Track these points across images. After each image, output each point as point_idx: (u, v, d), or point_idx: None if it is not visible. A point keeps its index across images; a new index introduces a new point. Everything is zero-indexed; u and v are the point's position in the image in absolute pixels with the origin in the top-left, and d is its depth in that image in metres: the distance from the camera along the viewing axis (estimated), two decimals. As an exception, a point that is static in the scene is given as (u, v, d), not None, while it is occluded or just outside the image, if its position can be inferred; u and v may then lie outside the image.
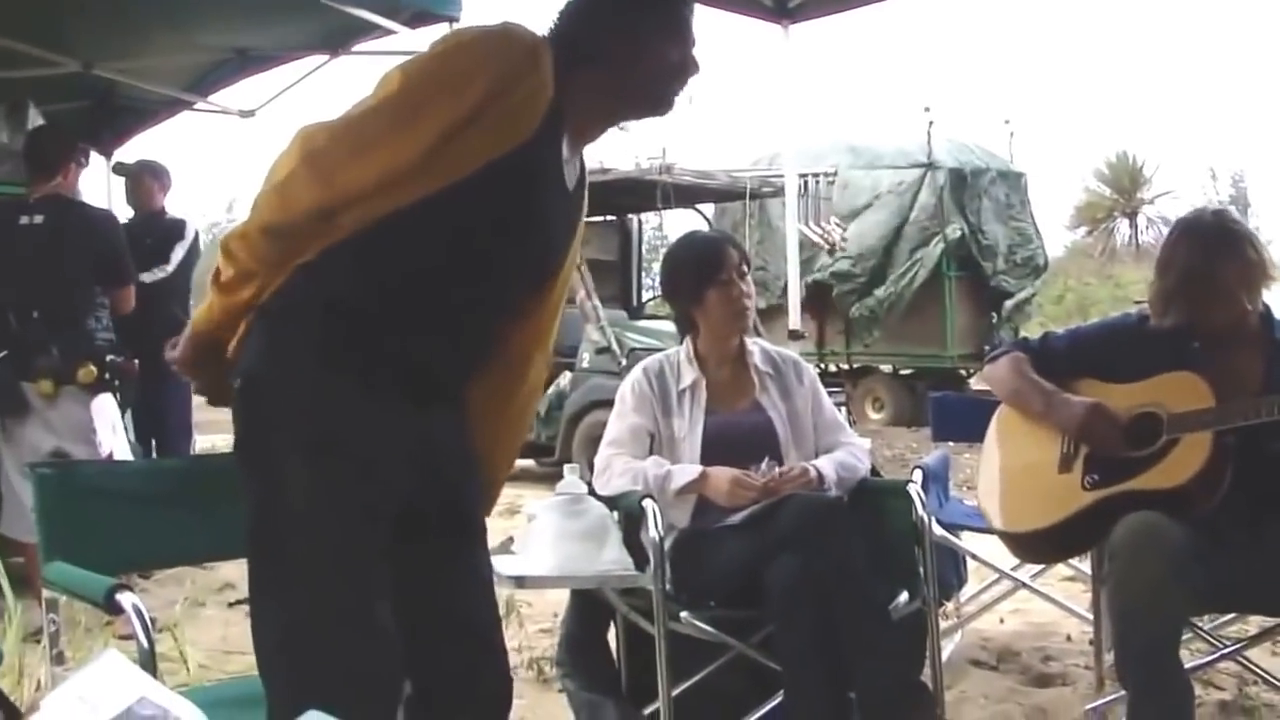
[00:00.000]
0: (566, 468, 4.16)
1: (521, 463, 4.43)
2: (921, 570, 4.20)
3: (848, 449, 4.42)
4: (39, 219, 6.16)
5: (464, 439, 2.94)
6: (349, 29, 6.88)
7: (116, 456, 6.06)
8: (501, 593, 5.87)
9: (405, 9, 7.00)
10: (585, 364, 10.74)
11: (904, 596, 4.12)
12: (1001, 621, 6.02)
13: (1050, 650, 5.48)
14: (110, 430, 6.08)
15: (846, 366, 17.70)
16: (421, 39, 7.17)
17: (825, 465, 4.27)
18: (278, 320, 2.68)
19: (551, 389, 11.02)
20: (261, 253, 2.66)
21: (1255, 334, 3.95)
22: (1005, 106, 61.58)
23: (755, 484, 4.11)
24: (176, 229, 7.57)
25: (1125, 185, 48.30)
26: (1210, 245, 3.88)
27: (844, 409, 8.02)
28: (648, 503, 3.93)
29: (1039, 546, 4.17)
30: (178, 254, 7.43)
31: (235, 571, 7.02)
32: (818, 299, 16.90)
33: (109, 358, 6.09)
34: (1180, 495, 3.71)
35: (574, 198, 2.99)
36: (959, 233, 16.14)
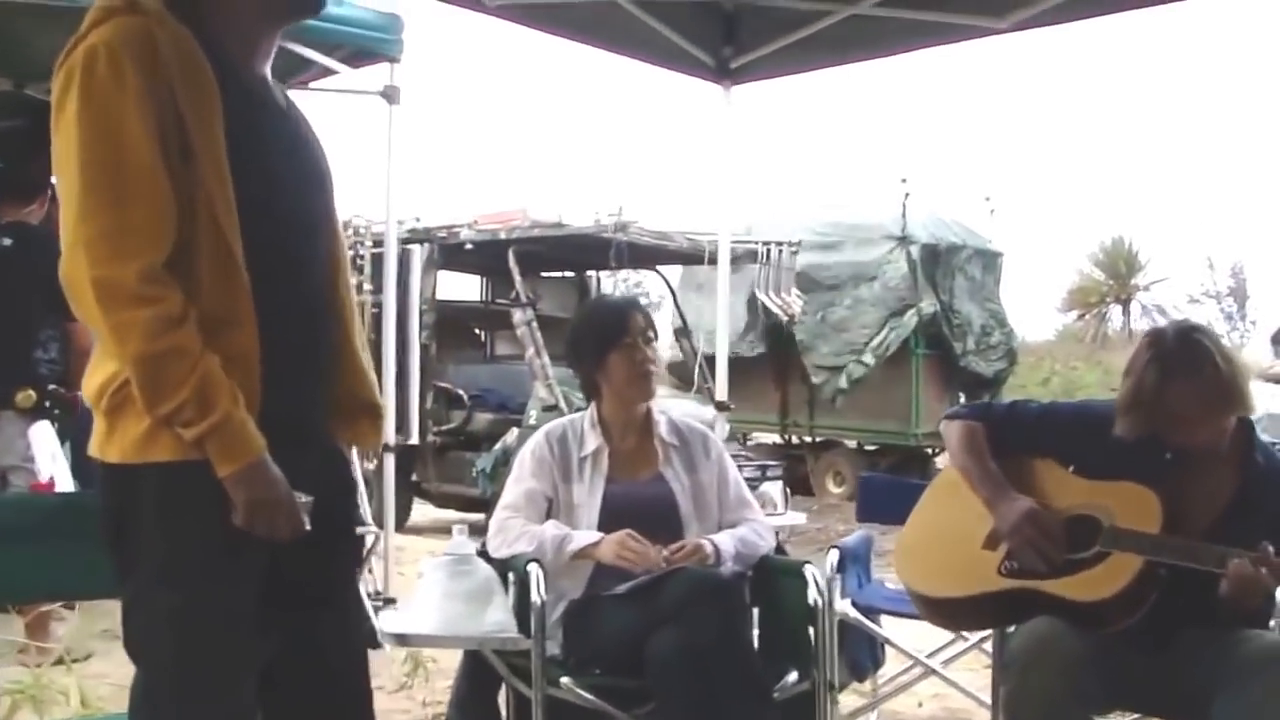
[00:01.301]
0: (455, 528, 4.11)
1: (469, 516, 4.44)
2: (816, 651, 4.15)
3: (751, 525, 4.39)
4: (6, 241, 6.24)
5: (336, 485, 2.94)
6: (288, 65, 6.84)
7: (57, 484, 6.05)
8: (407, 651, 5.91)
9: (345, 47, 6.96)
10: (533, 421, 10.66)
11: (793, 676, 4.08)
12: (920, 705, 5.99)
13: (962, 738, 5.42)
14: (50, 458, 6.08)
15: (809, 439, 17.61)
16: (362, 78, 7.18)
17: (725, 541, 4.24)
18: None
19: (499, 445, 10.97)
20: None
21: (1232, 453, 3.85)
22: (990, 183, 61.86)
23: (645, 546, 4.08)
24: None
25: (1120, 270, 48.50)
26: (1166, 365, 3.74)
27: (780, 483, 7.96)
28: (532, 566, 3.92)
29: (940, 613, 4.13)
30: None
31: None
32: (781, 369, 16.91)
33: (50, 387, 6.11)
34: (1092, 611, 3.66)
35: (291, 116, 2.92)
36: (932, 309, 16.10)
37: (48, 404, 6.10)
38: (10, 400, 6.00)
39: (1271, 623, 3.89)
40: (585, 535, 4.16)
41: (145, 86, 2.50)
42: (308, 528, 2.66)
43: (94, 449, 2.67)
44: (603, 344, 4.36)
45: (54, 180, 6.38)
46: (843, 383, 16.32)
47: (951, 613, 4.07)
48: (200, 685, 2.61)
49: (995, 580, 3.85)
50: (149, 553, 2.62)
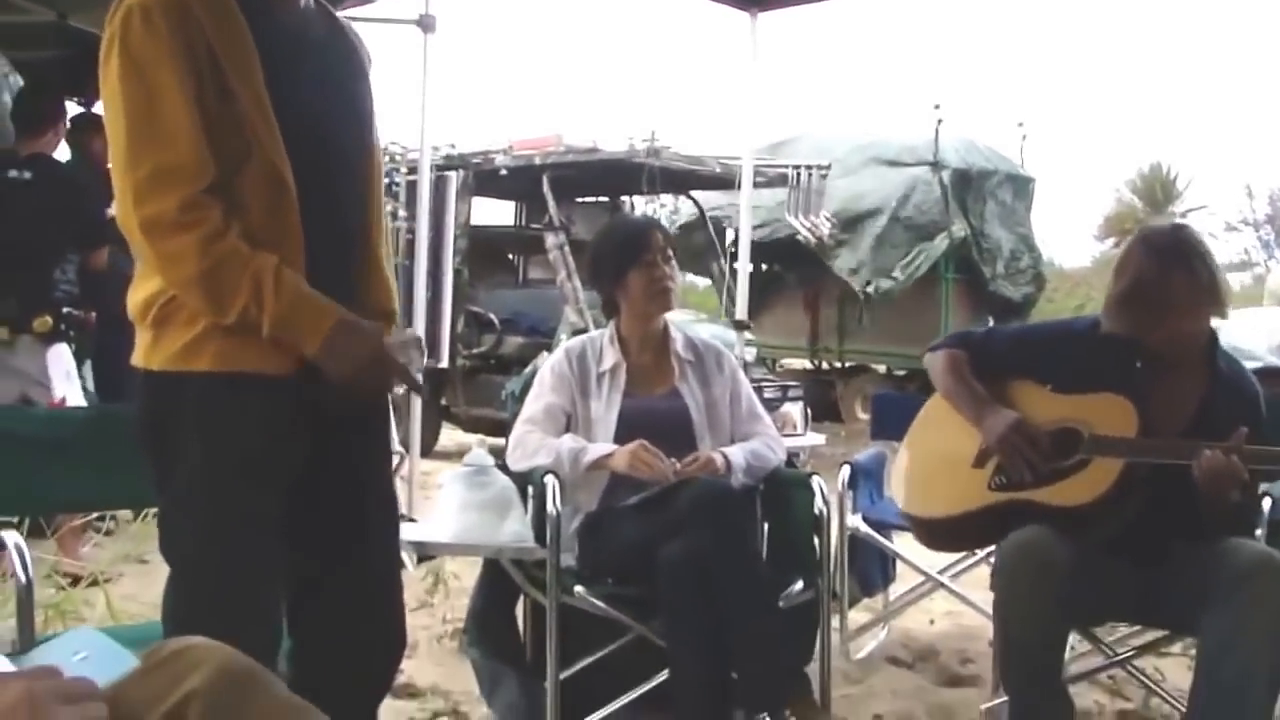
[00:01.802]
0: (475, 439, 4.23)
1: (492, 440, 4.55)
2: (821, 561, 4.27)
3: (762, 438, 4.49)
4: (27, 175, 6.42)
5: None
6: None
7: (70, 403, 6.18)
8: (428, 567, 6.03)
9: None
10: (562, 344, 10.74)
11: (798, 585, 4.19)
12: (932, 623, 6.05)
13: (970, 653, 5.50)
14: (64, 378, 6.25)
15: (839, 364, 17.67)
16: (398, 7, 7.27)
17: (736, 453, 4.34)
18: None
19: (529, 368, 11.04)
20: None
21: (1199, 360, 3.96)
22: (1025, 109, 61.46)
23: (657, 456, 4.19)
24: None
25: (1157, 197, 48.06)
26: (1165, 255, 3.84)
27: (801, 404, 8.04)
28: (549, 478, 4.02)
29: (935, 533, 4.20)
30: None
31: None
32: (811, 294, 16.95)
33: (66, 309, 6.28)
34: (1076, 515, 3.76)
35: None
36: (962, 233, 16.07)
37: (63, 327, 6.30)
38: (29, 326, 6.20)
39: (1258, 532, 3.97)
40: (600, 447, 4.27)
41: (177, 40, 2.68)
42: (421, 364, 2.82)
43: (137, 359, 2.83)
44: (622, 261, 4.47)
45: (70, 113, 6.61)
46: (870, 292, 16.28)
47: (946, 532, 4.14)
48: (228, 584, 2.74)
49: (985, 496, 3.94)
50: (185, 459, 2.77)
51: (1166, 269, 3.83)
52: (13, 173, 6.41)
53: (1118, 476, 3.75)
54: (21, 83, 7.95)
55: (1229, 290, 4.02)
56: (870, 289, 16.01)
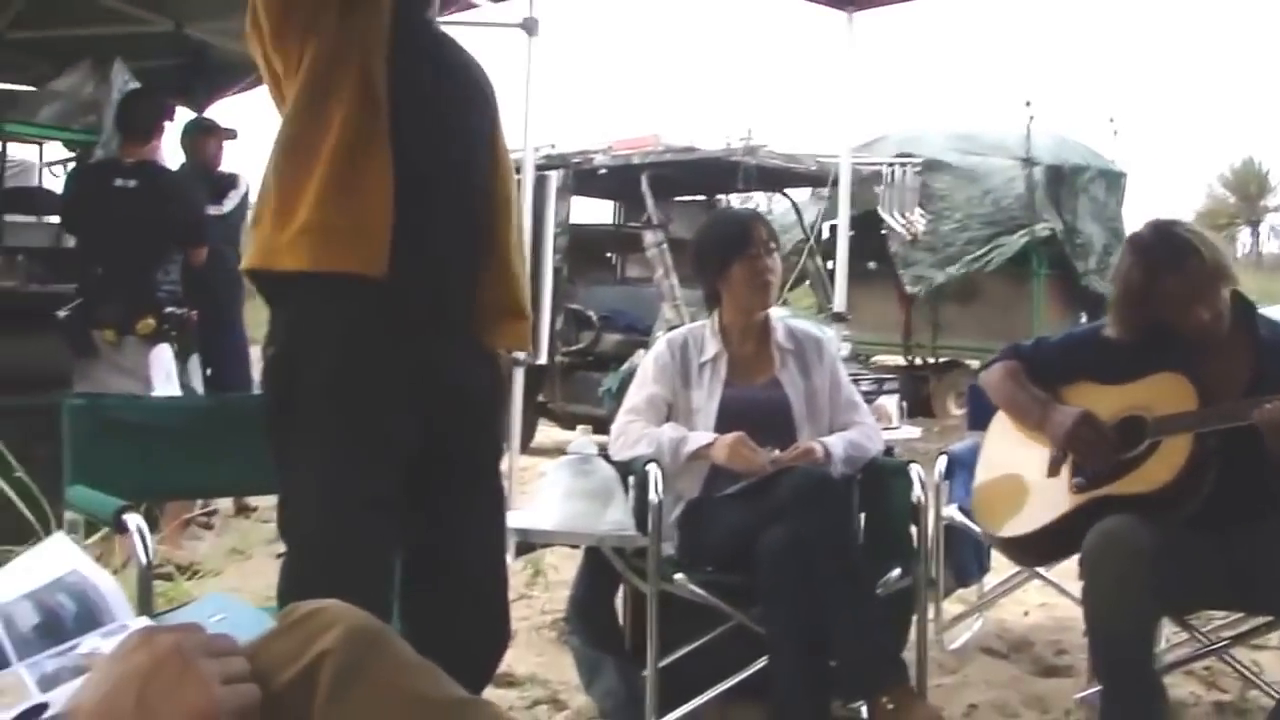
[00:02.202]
0: (579, 429, 4.31)
1: (598, 438, 4.63)
2: (918, 548, 4.32)
3: (861, 428, 4.52)
4: (132, 183, 6.61)
5: (482, 379, 3.17)
6: (432, -1, 7.01)
7: (167, 402, 6.37)
8: (530, 557, 6.10)
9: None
10: (659, 340, 10.77)
11: (896, 573, 4.23)
12: (1026, 614, 6.04)
13: (1065, 643, 5.48)
14: (164, 378, 6.40)
15: (932, 360, 17.61)
16: (502, 11, 7.35)
17: (835, 443, 4.38)
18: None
19: (626, 365, 11.11)
20: None
21: (1236, 333, 3.98)
22: (1116, 104, 60.93)
23: (757, 449, 4.23)
24: (230, 180, 7.91)
25: (1250, 192, 47.53)
26: (1152, 262, 3.91)
27: (896, 397, 8.06)
28: (651, 467, 4.08)
29: (1027, 550, 4.26)
30: (232, 199, 7.78)
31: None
32: (905, 290, 16.90)
33: (168, 310, 6.47)
34: (1159, 498, 3.78)
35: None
36: (1048, 231, 15.98)
37: (166, 327, 6.49)
38: (132, 328, 6.40)
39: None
40: (701, 436, 4.32)
41: None
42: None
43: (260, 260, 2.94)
44: (726, 253, 4.52)
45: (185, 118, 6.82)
46: (926, 288, 16.25)
47: (1038, 547, 4.16)
48: (338, 564, 2.83)
49: (1067, 500, 3.97)
50: (305, 435, 2.87)
51: (1154, 274, 3.89)
52: (118, 181, 6.63)
53: (1190, 452, 3.77)
54: (139, 90, 8.17)
55: (1229, 264, 4.00)
56: (918, 288, 16.02)
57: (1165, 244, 3.93)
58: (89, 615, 1.87)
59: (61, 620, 1.85)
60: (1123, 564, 3.60)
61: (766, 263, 4.50)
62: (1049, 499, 4.02)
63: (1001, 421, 4.35)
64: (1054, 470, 4.02)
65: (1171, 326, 3.94)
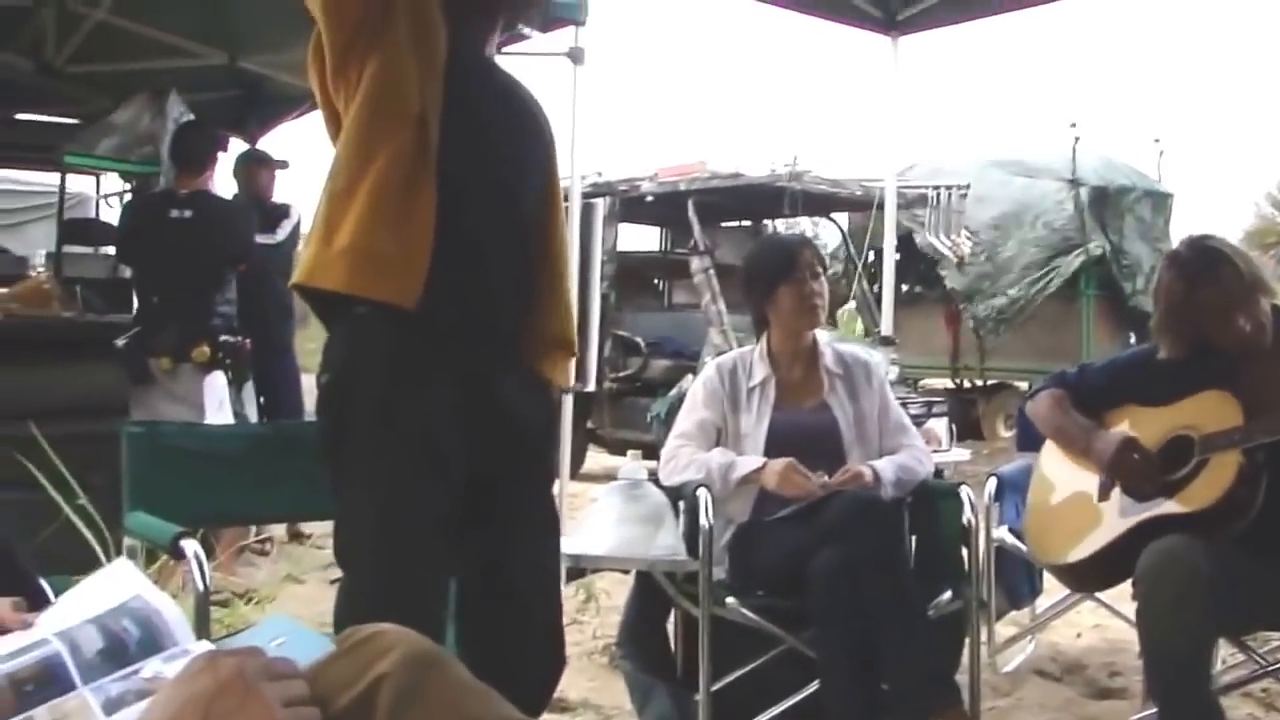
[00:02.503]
0: (629, 454, 4.33)
1: (647, 463, 4.67)
2: (970, 570, 4.32)
3: (910, 451, 4.53)
4: (188, 214, 6.70)
5: (535, 408, 3.19)
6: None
7: (221, 431, 6.44)
8: (582, 582, 6.12)
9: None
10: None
11: (947, 595, 4.24)
12: (1079, 636, 6.03)
13: (1118, 665, 5.47)
14: (217, 405, 6.47)
15: (980, 382, 17.56)
16: (549, 41, 7.40)
17: (885, 466, 4.39)
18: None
19: (674, 391, 11.13)
20: None
21: (1277, 343, 3.99)
22: (1161, 124, 60.65)
23: (809, 475, 4.25)
24: (282, 210, 7.98)
25: (1300, 210, 47.12)
26: (1189, 274, 3.95)
27: (945, 419, 8.05)
28: (701, 491, 4.10)
29: (1082, 576, 4.24)
30: (285, 229, 7.86)
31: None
32: (952, 312, 16.88)
33: (223, 338, 6.54)
34: (1209, 516, 3.77)
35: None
36: (1100, 250, 15.96)
37: (221, 355, 6.55)
38: (188, 356, 6.46)
39: None
40: (750, 461, 4.33)
41: None
42: None
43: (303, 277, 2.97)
44: (773, 277, 4.55)
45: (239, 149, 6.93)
46: (988, 313, 16.24)
47: (1093, 572, 4.14)
48: (394, 588, 2.84)
49: (1119, 524, 3.97)
50: (360, 461, 2.91)
51: (1191, 289, 3.94)
52: (174, 213, 6.71)
53: (1238, 468, 3.77)
54: (194, 123, 8.30)
55: (1264, 275, 4.05)
56: (979, 310, 16.02)
57: (1200, 256, 3.99)
58: (152, 640, 1.91)
59: (125, 645, 1.89)
60: (1178, 584, 3.58)
61: (813, 286, 4.52)
62: (1101, 524, 4.02)
63: (1050, 450, 4.36)
64: (1104, 495, 4.04)
65: (1214, 341, 3.96)
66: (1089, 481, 4.09)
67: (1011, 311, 16.10)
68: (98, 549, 4.50)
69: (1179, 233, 17.16)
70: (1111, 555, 3.97)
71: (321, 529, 7.48)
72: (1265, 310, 3.96)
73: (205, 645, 1.94)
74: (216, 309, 6.64)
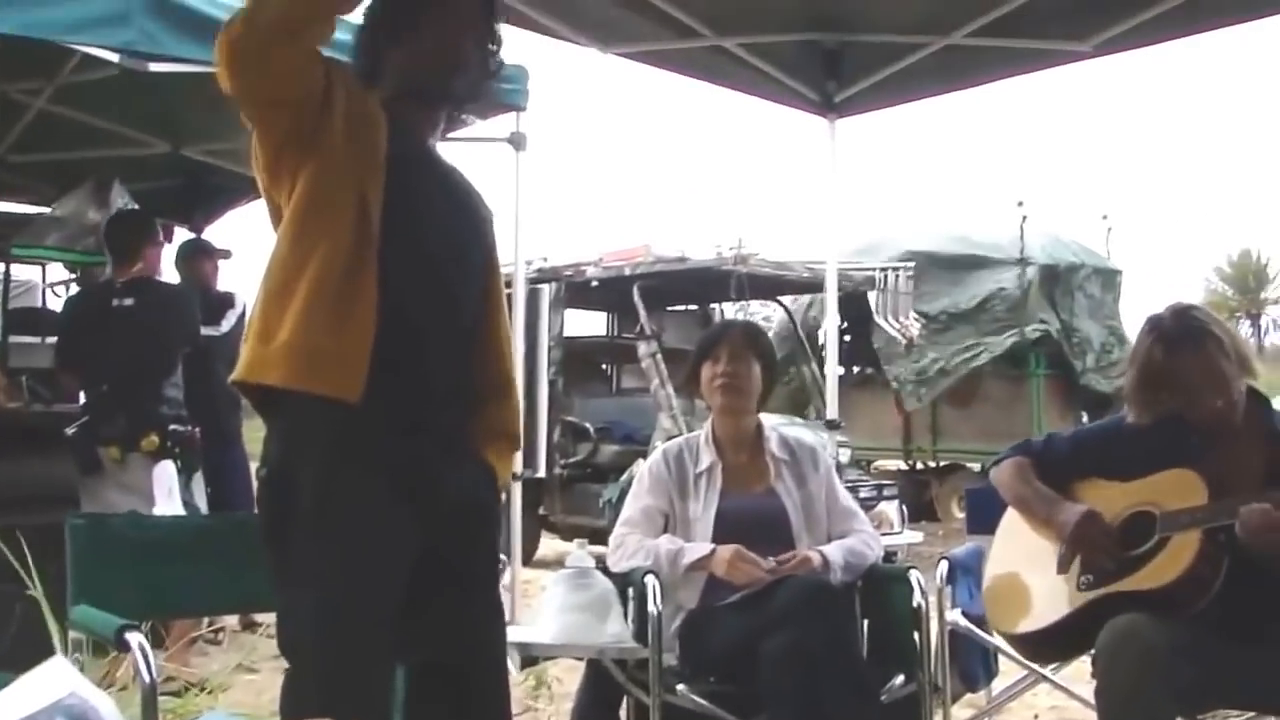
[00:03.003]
0: (576, 542, 4.32)
1: (594, 549, 4.64)
2: (921, 654, 4.31)
3: (859, 535, 4.53)
4: (129, 301, 6.70)
5: (479, 492, 3.16)
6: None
7: (169, 520, 6.39)
8: (534, 669, 6.08)
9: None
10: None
11: (899, 679, 4.22)
12: (1036, 718, 6.03)
13: (1075, 748, 5.47)
14: (166, 495, 6.42)
15: (933, 464, 17.61)
16: (491, 127, 7.43)
17: (833, 551, 4.39)
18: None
19: (625, 475, 11.12)
20: None
21: (1250, 425, 4.00)
22: (1109, 201, 61.53)
23: (758, 561, 4.24)
24: (227, 299, 7.96)
25: (1248, 284, 47.70)
26: (1169, 343, 3.95)
27: (896, 502, 8.08)
28: (649, 578, 4.10)
29: (1038, 647, 4.23)
30: (229, 319, 7.80)
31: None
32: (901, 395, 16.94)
33: (172, 427, 6.50)
34: (1167, 595, 3.77)
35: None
36: (1038, 332, 16.07)
37: (170, 444, 6.50)
38: (136, 445, 6.42)
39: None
40: (698, 548, 4.33)
41: None
42: None
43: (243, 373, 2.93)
44: (699, 358, 4.61)
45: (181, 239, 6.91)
46: (914, 401, 16.35)
47: (1048, 644, 4.15)
48: (338, 680, 2.81)
49: (1076, 598, 3.97)
50: (301, 553, 2.87)
51: (1170, 357, 3.93)
52: (115, 301, 6.71)
53: (1198, 548, 3.77)
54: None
55: (1249, 355, 4.05)
56: (919, 393, 16.13)
57: (1182, 326, 3.97)
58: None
59: (62, 743, 1.86)
60: (1137, 662, 3.59)
61: (730, 367, 4.53)
62: (1059, 596, 4.02)
63: (1013, 518, 4.36)
64: (1063, 567, 4.04)
65: (1185, 414, 3.96)
66: (1050, 552, 4.09)
67: (932, 373, 16.14)
68: (56, 642, 4.45)
69: (1131, 310, 17.35)
70: (1068, 629, 3.97)
71: (274, 618, 7.41)
72: (1239, 389, 3.97)
73: None
74: (165, 396, 6.60)
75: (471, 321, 3.14)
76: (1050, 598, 4.05)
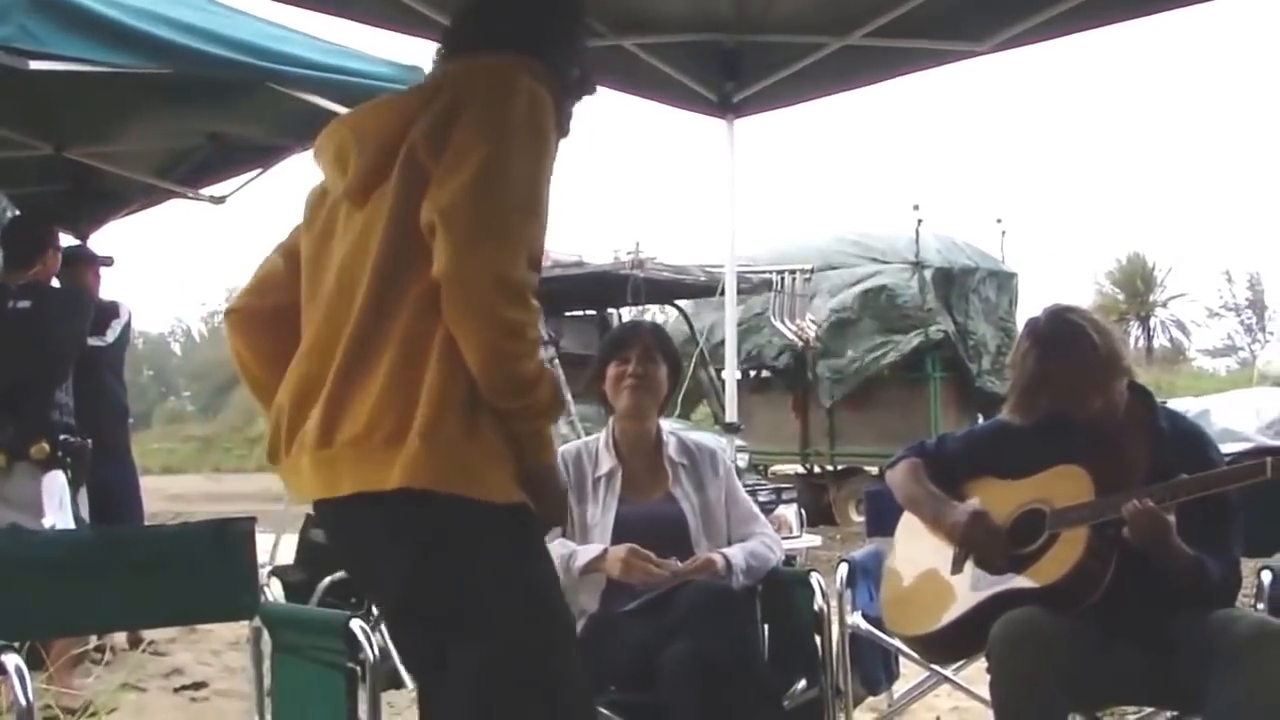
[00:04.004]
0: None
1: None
2: (823, 659, 4.27)
3: (760, 538, 4.49)
4: (25, 304, 6.48)
5: None
6: (312, 117, 7.00)
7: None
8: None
9: (365, 97, 7.07)
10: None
11: (802, 684, 4.18)
12: (938, 718, 6.02)
13: (978, 748, 5.46)
14: (57, 505, 6.24)
15: (831, 467, 17.66)
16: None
17: (735, 554, 4.34)
18: None
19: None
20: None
21: (1134, 421, 4.06)
22: (1002, 204, 62.37)
23: (652, 558, 4.19)
24: (112, 309, 7.81)
25: (1137, 287, 48.36)
26: (1044, 346, 4.01)
27: (795, 505, 8.05)
28: (550, 587, 4.00)
29: (936, 647, 4.24)
30: (115, 329, 7.69)
31: (185, 657, 7.11)
32: (800, 398, 17.00)
33: (63, 437, 6.31)
34: (1058, 590, 3.80)
35: None
36: (942, 334, 16.19)
37: (60, 454, 6.31)
38: (25, 452, 6.21)
39: (1260, 606, 4.07)
40: (590, 549, 4.27)
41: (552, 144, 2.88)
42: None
43: (399, 478, 2.72)
44: (605, 358, 4.55)
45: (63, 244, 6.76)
46: (829, 397, 16.46)
47: (945, 644, 4.17)
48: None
49: (970, 597, 3.99)
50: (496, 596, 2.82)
51: (1044, 362, 4.00)
52: (11, 303, 6.48)
53: (1086, 544, 3.81)
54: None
55: (1125, 354, 4.09)
56: (831, 394, 16.23)
57: (1057, 328, 4.02)
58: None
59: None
60: (1029, 655, 3.61)
61: (637, 367, 4.48)
62: (954, 596, 4.03)
63: (909, 520, 4.37)
64: (957, 567, 4.06)
65: (1067, 414, 4.00)
66: (944, 553, 4.11)
67: (849, 373, 16.24)
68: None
69: (1024, 312, 17.50)
70: (963, 628, 3.98)
71: (162, 634, 7.27)
72: (1118, 387, 4.01)
73: None
74: (57, 402, 6.41)
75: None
76: (945, 598, 4.07)
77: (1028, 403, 4.08)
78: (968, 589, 4.00)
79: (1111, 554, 3.79)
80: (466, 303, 2.70)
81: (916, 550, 4.28)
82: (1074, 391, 3.96)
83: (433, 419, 2.69)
